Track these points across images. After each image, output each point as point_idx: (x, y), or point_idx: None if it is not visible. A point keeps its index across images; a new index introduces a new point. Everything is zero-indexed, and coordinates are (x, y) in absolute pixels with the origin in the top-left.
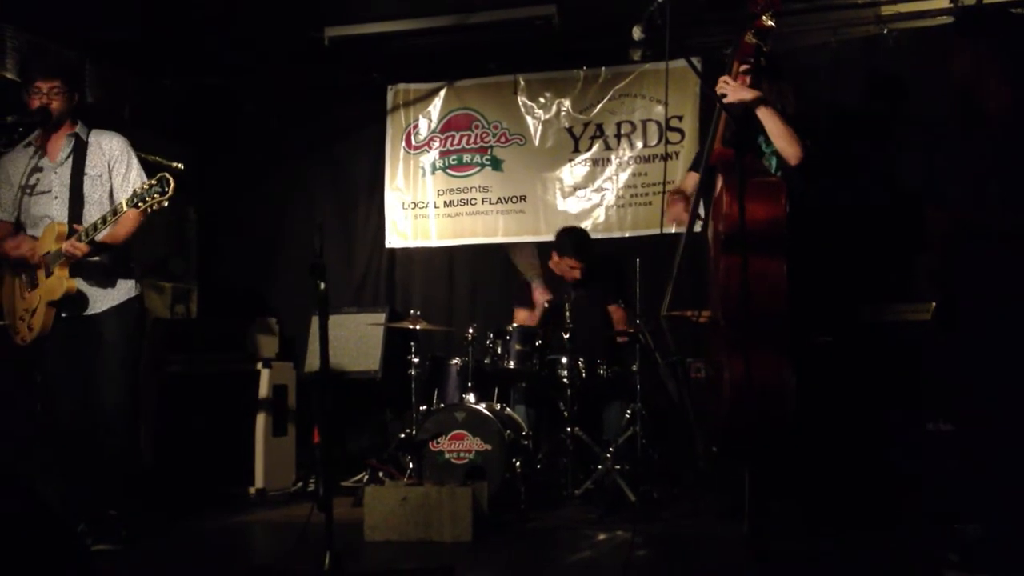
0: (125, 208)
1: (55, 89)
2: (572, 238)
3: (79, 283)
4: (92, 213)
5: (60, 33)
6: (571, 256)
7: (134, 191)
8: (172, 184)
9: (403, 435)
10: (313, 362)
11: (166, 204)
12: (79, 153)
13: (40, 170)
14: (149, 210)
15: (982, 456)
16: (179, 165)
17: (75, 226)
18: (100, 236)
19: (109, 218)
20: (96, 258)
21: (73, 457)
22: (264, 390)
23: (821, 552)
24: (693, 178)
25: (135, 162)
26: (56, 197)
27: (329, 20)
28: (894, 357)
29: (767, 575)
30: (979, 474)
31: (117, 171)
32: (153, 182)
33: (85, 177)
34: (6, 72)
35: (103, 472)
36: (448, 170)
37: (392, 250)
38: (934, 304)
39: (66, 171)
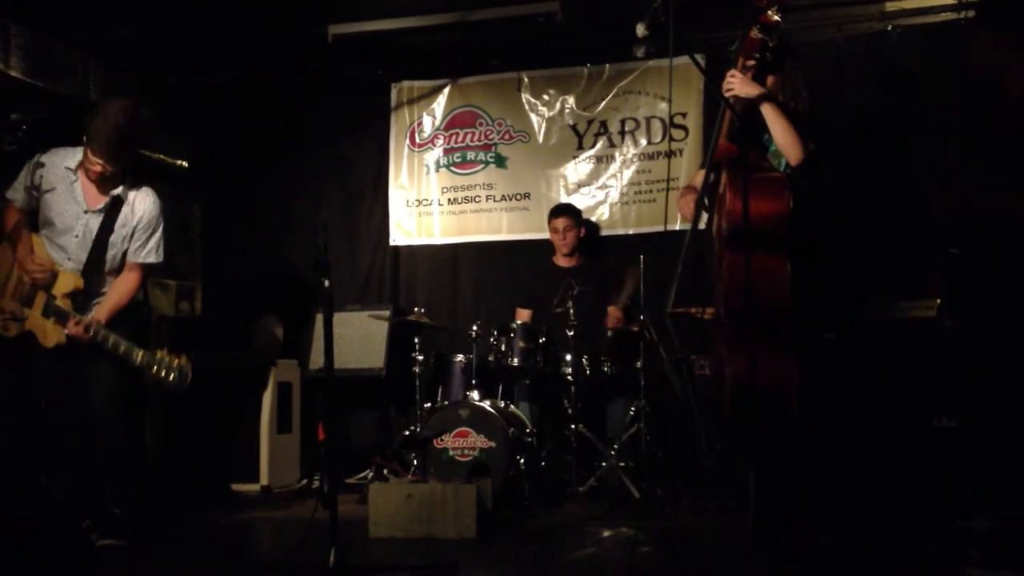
0: (136, 359)
1: (106, 162)
2: (559, 205)
3: None
4: (107, 266)
5: (64, 31)
6: (558, 216)
7: (156, 356)
8: (188, 382)
9: (407, 432)
10: (317, 359)
11: (174, 388)
12: (114, 209)
13: (45, 167)
14: (153, 370)
15: (988, 452)
16: (183, 163)
17: (95, 316)
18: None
19: (121, 349)
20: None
21: (77, 454)
22: (269, 387)
23: (826, 548)
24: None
25: (159, 233)
26: (77, 236)
27: (333, 17)
28: (899, 354)
29: (772, 572)
30: (986, 470)
31: (139, 236)
32: (177, 367)
33: (111, 234)
34: (11, 70)
35: (106, 470)
36: (452, 167)
37: (396, 248)
38: (939, 300)
39: (96, 221)
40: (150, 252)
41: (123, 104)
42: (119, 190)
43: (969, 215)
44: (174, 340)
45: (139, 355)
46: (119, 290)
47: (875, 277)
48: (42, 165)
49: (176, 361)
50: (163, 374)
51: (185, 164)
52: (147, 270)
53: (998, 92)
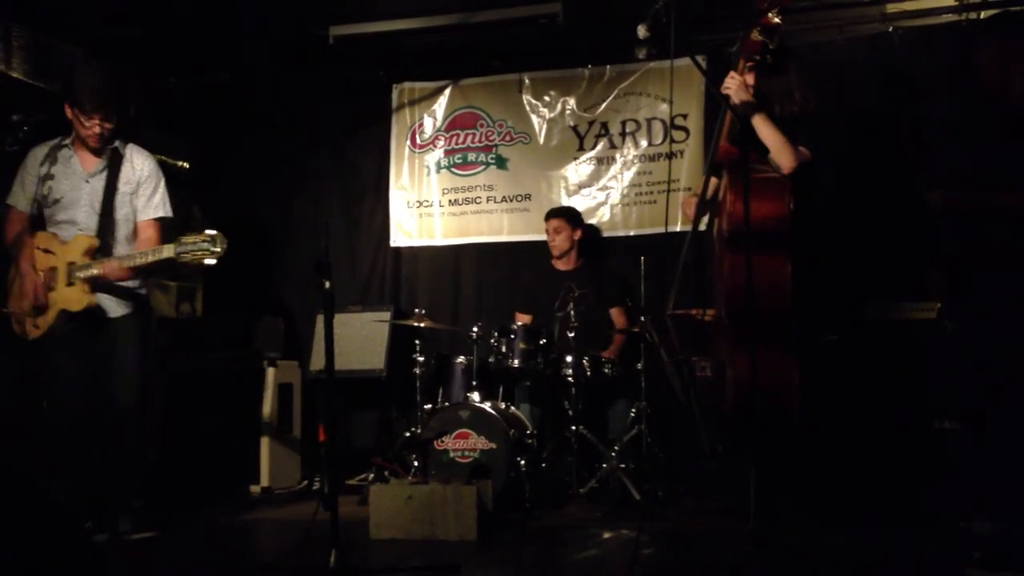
0: (167, 253)
1: (102, 118)
2: (553, 208)
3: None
4: (119, 229)
5: (65, 31)
6: (549, 218)
7: (182, 241)
8: (224, 246)
9: (408, 434)
10: (318, 361)
11: (211, 262)
12: (114, 166)
13: (53, 177)
14: (185, 256)
15: (988, 453)
16: (184, 164)
17: (122, 255)
18: (137, 263)
19: (151, 256)
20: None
21: (80, 453)
22: (269, 388)
23: (827, 549)
24: (712, 183)
25: (162, 186)
26: (85, 206)
27: (334, 19)
28: (900, 356)
29: (773, 573)
30: (986, 471)
31: (143, 192)
32: (206, 239)
33: (116, 193)
34: (12, 71)
35: (118, 468)
36: (453, 169)
37: (397, 249)
38: (939, 304)
39: (100, 183)
40: (158, 206)
41: (100, 64)
42: (115, 144)
43: (968, 215)
44: (175, 341)
45: (171, 249)
46: (141, 245)
47: (875, 277)
48: (51, 177)
49: (202, 238)
50: (200, 255)
51: (186, 165)
52: (162, 227)
53: (1000, 94)
